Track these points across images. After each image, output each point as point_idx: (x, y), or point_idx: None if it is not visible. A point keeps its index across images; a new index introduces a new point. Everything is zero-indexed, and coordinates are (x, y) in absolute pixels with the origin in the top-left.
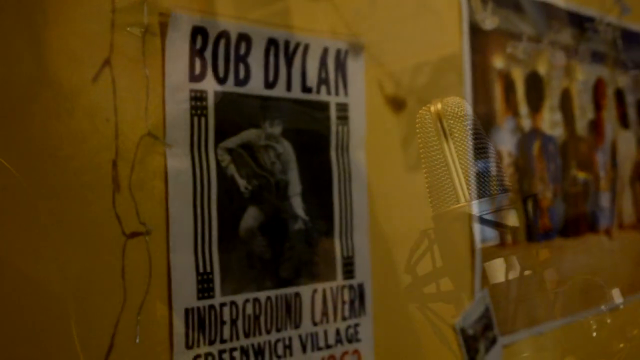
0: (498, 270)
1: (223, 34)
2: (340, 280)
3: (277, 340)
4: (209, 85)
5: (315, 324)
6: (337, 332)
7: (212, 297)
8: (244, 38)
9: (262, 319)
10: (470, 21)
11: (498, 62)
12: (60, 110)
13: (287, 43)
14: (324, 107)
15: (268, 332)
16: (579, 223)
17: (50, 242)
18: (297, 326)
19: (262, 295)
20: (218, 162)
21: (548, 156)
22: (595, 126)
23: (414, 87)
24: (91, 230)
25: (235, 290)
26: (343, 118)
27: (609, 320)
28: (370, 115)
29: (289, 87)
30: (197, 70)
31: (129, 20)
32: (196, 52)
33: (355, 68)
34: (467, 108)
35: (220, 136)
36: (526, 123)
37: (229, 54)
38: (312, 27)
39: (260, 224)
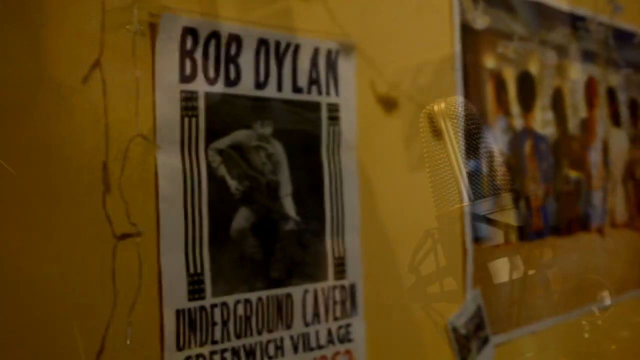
0: (498, 270)
1: (213, 35)
2: (331, 281)
3: (269, 341)
4: (200, 86)
5: (306, 324)
6: (329, 332)
7: (203, 298)
8: (235, 39)
9: (253, 319)
10: (462, 21)
11: (489, 61)
12: (51, 111)
13: (277, 43)
14: (315, 107)
15: (259, 332)
16: (571, 222)
17: (40, 243)
18: (288, 327)
19: (253, 296)
20: (209, 163)
21: (540, 155)
22: (587, 125)
23: (406, 87)
24: (82, 232)
25: (226, 291)
26: (334, 118)
27: (599, 322)
28: (362, 116)
29: (279, 88)
30: (188, 70)
31: (120, 21)
32: (187, 53)
33: (346, 68)
34: (471, 108)
35: (211, 137)
36: (518, 122)
37: (219, 54)
38: (302, 28)
39: (251, 225)
